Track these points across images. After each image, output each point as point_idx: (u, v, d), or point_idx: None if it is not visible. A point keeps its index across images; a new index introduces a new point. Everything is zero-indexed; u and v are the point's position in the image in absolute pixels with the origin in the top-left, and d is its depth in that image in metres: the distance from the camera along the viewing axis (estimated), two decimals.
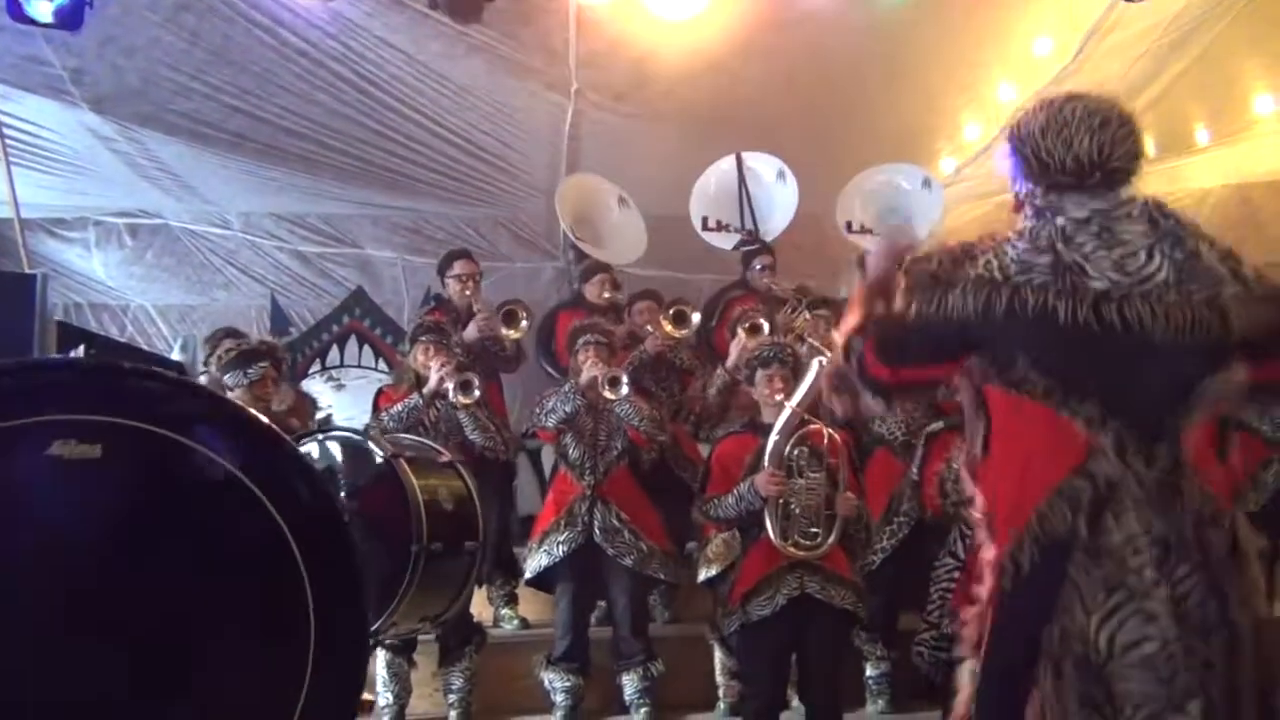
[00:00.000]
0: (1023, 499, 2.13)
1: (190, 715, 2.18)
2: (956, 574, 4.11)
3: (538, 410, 5.08)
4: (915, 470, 4.44)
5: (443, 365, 5.00)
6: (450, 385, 4.93)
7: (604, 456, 4.96)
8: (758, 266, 6.30)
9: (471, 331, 5.67)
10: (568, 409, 4.91)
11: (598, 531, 4.81)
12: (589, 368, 4.93)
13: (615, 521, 4.83)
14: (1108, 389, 2.09)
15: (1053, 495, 2.08)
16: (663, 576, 4.93)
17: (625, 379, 4.88)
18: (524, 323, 5.77)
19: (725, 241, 6.72)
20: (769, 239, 6.60)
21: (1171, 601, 2.01)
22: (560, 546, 4.82)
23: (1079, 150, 2.20)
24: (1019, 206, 2.33)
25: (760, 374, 4.29)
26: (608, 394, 4.84)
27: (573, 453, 4.97)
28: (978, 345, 2.18)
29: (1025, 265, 2.15)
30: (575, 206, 6.68)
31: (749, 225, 6.61)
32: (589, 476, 4.91)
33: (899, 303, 2.26)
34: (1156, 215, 2.19)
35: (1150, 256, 2.13)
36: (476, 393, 4.98)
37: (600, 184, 6.84)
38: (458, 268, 5.93)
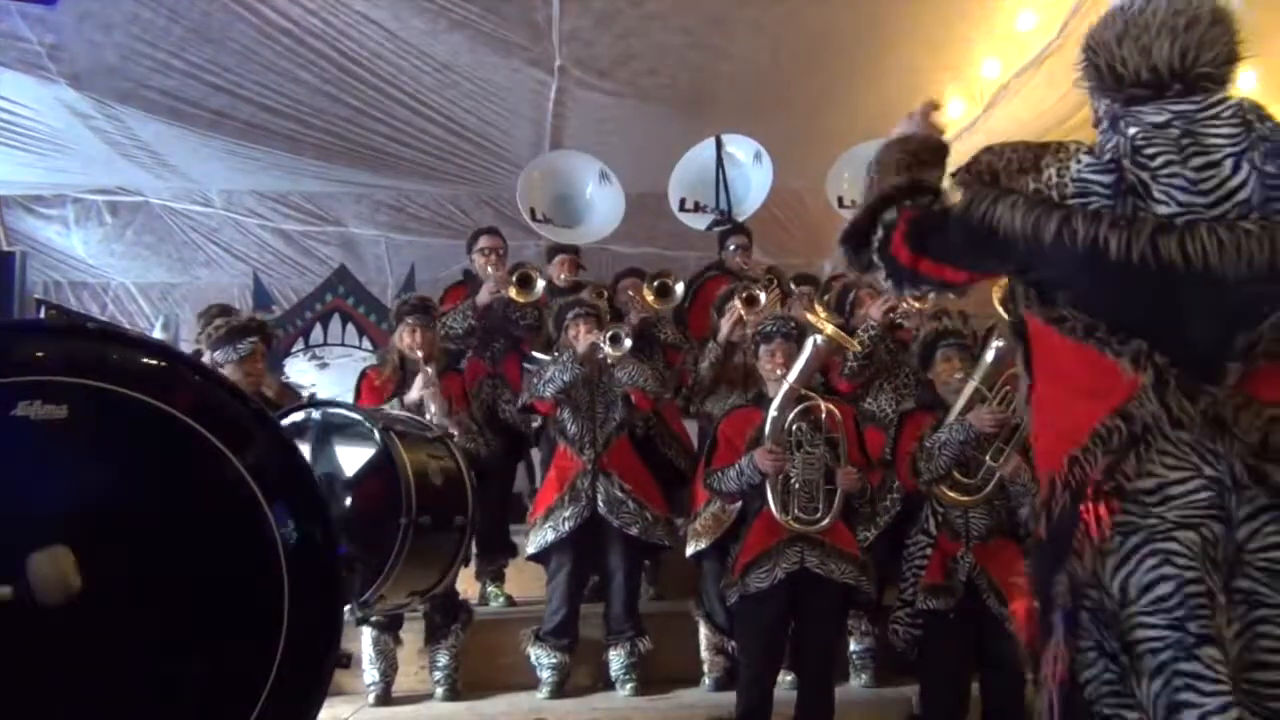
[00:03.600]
0: (1059, 442, 2.01)
1: (152, 685, 2.16)
2: (929, 550, 4.15)
3: (535, 381, 5.06)
4: (889, 449, 4.47)
5: (426, 384, 4.92)
6: (434, 407, 4.87)
7: (603, 429, 4.95)
8: (731, 246, 6.31)
9: (483, 295, 5.66)
10: (566, 378, 4.89)
11: (601, 504, 4.82)
12: (585, 335, 4.92)
13: (619, 493, 4.83)
14: (1157, 325, 1.91)
15: (1089, 438, 1.94)
16: (668, 544, 4.96)
17: (626, 332, 4.88)
18: (539, 285, 5.68)
19: (700, 222, 6.72)
20: (741, 219, 6.60)
21: (1204, 545, 1.86)
22: (566, 522, 4.81)
23: (1157, 58, 1.95)
24: (1098, 122, 2.10)
25: (763, 349, 4.32)
26: (610, 350, 4.82)
27: (571, 427, 4.96)
28: (1020, 268, 2.04)
29: (1084, 186, 1.95)
30: (549, 187, 6.64)
31: (723, 206, 6.61)
32: (589, 450, 4.91)
33: (957, 194, 2.10)
34: (1251, 117, 1.93)
35: (1236, 169, 1.88)
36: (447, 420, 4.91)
37: (575, 160, 6.81)
38: (482, 241, 5.94)
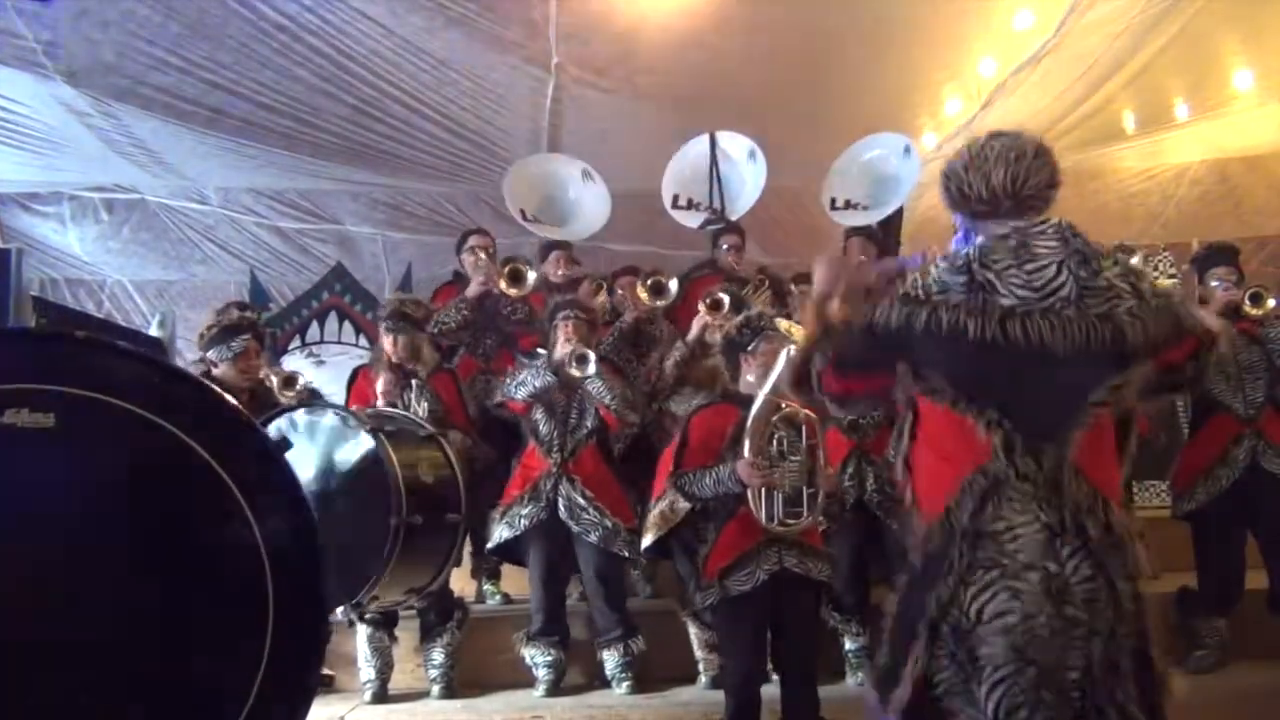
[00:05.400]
0: (938, 490, 2.47)
1: (136, 694, 2.15)
2: None
3: (509, 381, 5.06)
4: (893, 453, 4.45)
5: (385, 387, 4.97)
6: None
7: (574, 434, 4.95)
8: (724, 246, 6.29)
9: (474, 289, 5.68)
10: (538, 384, 4.90)
11: (562, 508, 4.82)
12: (562, 344, 4.91)
13: (580, 499, 4.83)
14: (1006, 395, 2.39)
15: (961, 488, 2.41)
16: (627, 554, 4.92)
17: (593, 356, 4.85)
18: (530, 279, 5.69)
19: (692, 220, 6.70)
20: (734, 218, 6.59)
21: (1046, 580, 2.33)
22: (522, 520, 4.83)
23: (994, 182, 2.48)
24: (957, 231, 2.67)
25: (765, 345, 4.13)
26: (574, 372, 4.82)
27: (543, 429, 4.96)
28: (902, 353, 2.51)
29: (944, 285, 2.45)
30: (534, 189, 6.63)
31: (716, 204, 6.60)
32: (557, 454, 4.91)
33: (840, 315, 2.61)
34: (1067, 234, 2.46)
35: (1059, 272, 2.41)
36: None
37: (556, 163, 6.79)
38: (471, 241, 5.99)
